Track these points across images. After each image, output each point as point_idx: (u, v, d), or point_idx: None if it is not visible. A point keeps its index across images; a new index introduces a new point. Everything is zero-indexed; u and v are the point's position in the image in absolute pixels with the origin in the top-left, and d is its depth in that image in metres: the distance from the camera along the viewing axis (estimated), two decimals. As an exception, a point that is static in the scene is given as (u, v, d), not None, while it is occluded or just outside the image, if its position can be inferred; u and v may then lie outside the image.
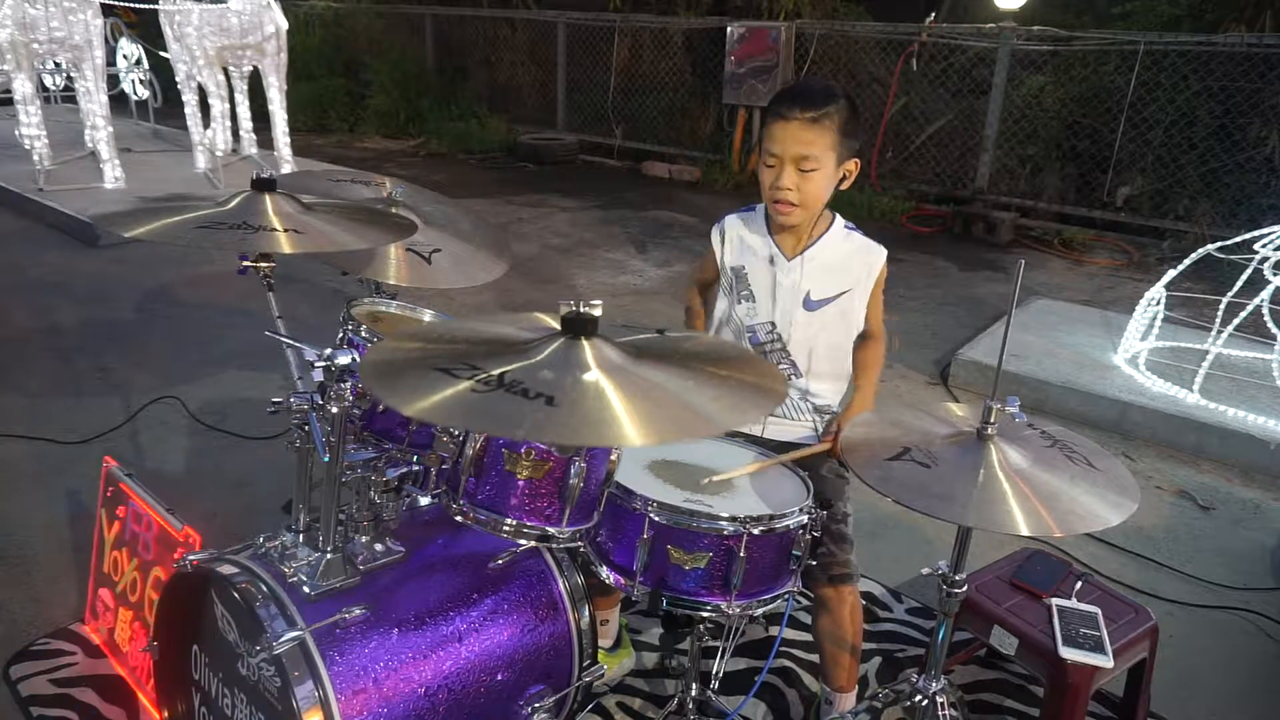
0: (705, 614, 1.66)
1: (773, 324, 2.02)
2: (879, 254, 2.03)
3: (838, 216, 2.03)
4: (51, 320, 4.69)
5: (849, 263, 2.00)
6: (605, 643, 2.31)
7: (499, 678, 1.71)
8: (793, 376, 2.04)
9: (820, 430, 2.07)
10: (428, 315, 2.15)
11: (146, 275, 5.41)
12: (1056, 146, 7.55)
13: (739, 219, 2.10)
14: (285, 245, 1.90)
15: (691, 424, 1.34)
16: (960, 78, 7.91)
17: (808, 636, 2.25)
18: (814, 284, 1.99)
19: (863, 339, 2.10)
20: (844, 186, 1.96)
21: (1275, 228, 4.18)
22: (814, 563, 1.78)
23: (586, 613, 1.85)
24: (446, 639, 1.66)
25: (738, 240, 2.08)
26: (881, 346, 2.13)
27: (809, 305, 1.99)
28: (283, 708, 1.50)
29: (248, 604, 1.54)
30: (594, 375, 1.32)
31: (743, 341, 2.06)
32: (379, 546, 1.71)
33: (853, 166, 1.93)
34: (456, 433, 1.54)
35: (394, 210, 2.35)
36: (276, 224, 1.94)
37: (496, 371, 1.31)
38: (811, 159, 1.86)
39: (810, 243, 1.99)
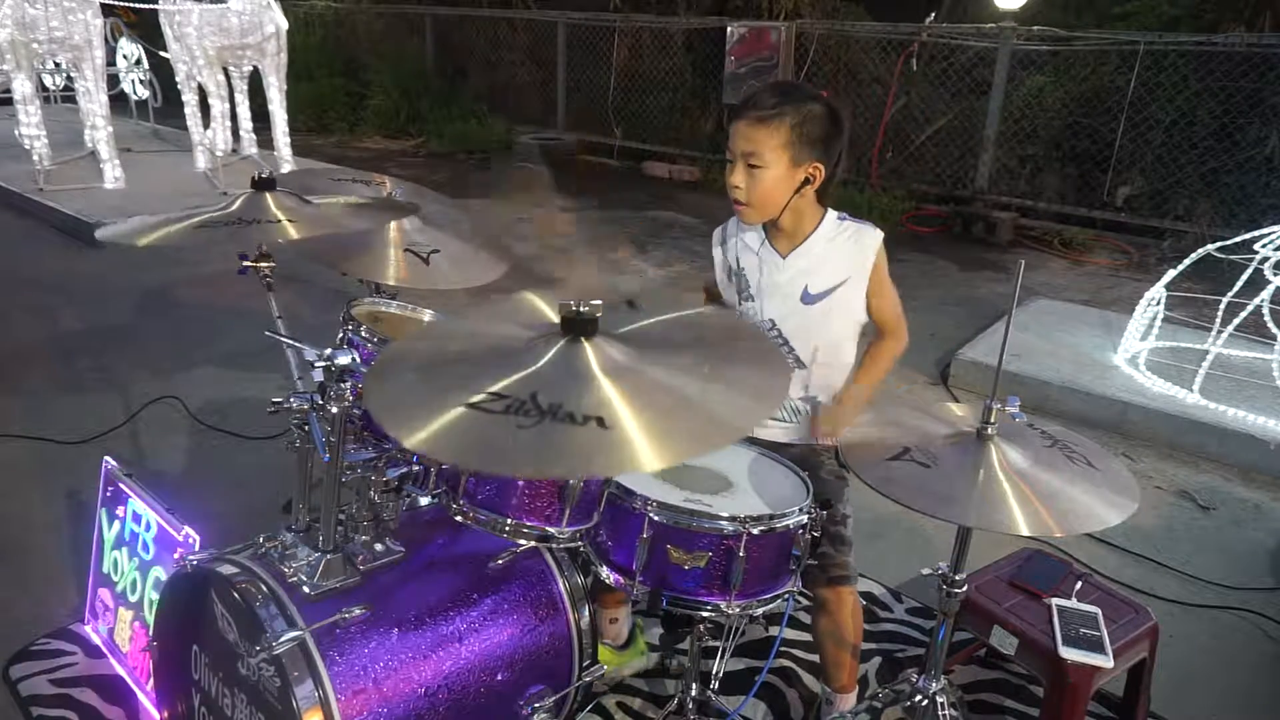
0: (705, 614, 1.66)
1: (772, 321, 2.02)
2: (873, 235, 1.98)
3: (830, 211, 2.01)
4: (51, 320, 4.69)
5: (843, 250, 1.98)
6: (615, 641, 2.30)
7: (499, 678, 1.71)
8: (797, 368, 2.02)
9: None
10: (427, 315, 2.16)
11: (146, 275, 5.41)
12: (1056, 146, 7.54)
13: (738, 220, 2.10)
14: (292, 232, 1.93)
15: (712, 435, 1.31)
16: (960, 78, 7.90)
17: (808, 636, 2.25)
18: (811, 278, 1.98)
19: (877, 335, 2.06)
20: (809, 191, 1.93)
21: (1275, 228, 4.18)
22: (814, 563, 1.78)
23: (586, 613, 1.86)
24: (446, 639, 1.66)
25: (737, 241, 2.08)
26: (894, 346, 2.04)
27: (807, 299, 1.98)
28: (283, 708, 1.50)
29: (248, 604, 1.54)
30: (600, 384, 1.28)
31: None
32: (379, 546, 1.71)
33: (814, 171, 1.90)
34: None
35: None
36: (280, 216, 1.97)
37: (531, 398, 1.24)
38: (757, 157, 1.87)
39: (803, 239, 1.99)
